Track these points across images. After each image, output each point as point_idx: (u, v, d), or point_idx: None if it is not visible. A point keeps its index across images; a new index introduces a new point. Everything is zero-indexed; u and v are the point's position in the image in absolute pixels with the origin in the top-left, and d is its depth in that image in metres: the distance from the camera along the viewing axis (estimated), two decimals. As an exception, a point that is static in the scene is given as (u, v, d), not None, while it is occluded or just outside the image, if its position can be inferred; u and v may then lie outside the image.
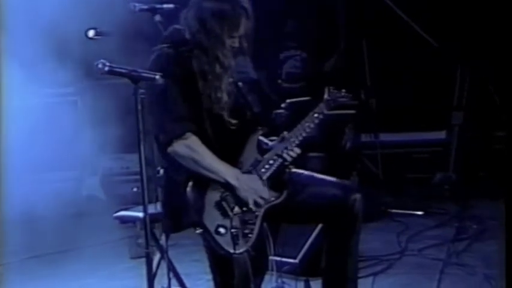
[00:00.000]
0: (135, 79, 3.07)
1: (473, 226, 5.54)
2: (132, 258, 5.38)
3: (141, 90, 3.16)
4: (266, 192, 3.27)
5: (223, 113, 3.26)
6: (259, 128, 3.36)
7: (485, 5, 6.52)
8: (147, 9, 3.96)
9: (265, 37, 5.92)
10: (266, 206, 3.29)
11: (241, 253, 3.19)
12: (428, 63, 7.08)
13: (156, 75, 3.05)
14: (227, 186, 3.22)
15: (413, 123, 7.21)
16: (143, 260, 3.38)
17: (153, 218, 3.49)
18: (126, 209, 4.57)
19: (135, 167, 6.18)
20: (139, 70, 3.09)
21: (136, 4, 3.98)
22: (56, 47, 6.18)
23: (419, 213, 6.09)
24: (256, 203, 3.24)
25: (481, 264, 4.69)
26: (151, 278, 3.32)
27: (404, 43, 7.00)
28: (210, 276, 3.50)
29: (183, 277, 4.22)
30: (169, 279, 4.21)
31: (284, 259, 4.48)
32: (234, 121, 3.28)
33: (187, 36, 3.29)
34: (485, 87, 6.58)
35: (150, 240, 3.31)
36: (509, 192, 4.08)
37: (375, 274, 4.69)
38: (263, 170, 3.31)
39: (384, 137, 7.01)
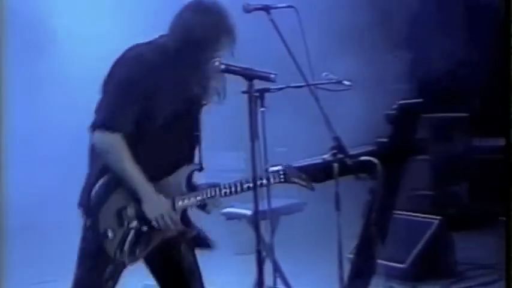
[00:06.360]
0: (249, 77, 3.09)
1: None
2: (237, 254, 5.45)
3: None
4: (174, 216, 3.16)
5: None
6: (197, 165, 3.26)
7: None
8: (261, 8, 3.97)
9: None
10: (164, 235, 3.19)
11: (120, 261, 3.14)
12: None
13: (271, 74, 3.05)
14: (133, 196, 3.14)
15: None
16: (246, 256, 3.35)
17: (262, 216, 3.50)
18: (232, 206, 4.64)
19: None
20: (255, 69, 3.10)
21: (250, 3, 3.99)
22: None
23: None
24: (157, 222, 3.15)
25: None
26: (261, 275, 3.28)
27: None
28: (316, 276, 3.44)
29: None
30: (275, 278, 4.24)
31: (392, 263, 4.42)
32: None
33: (171, 44, 3.15)
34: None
35: (259, 237, 3.31)
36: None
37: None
38: (180, 202, 3.22)
39: None
